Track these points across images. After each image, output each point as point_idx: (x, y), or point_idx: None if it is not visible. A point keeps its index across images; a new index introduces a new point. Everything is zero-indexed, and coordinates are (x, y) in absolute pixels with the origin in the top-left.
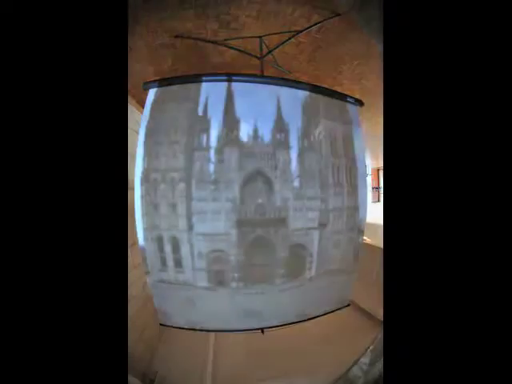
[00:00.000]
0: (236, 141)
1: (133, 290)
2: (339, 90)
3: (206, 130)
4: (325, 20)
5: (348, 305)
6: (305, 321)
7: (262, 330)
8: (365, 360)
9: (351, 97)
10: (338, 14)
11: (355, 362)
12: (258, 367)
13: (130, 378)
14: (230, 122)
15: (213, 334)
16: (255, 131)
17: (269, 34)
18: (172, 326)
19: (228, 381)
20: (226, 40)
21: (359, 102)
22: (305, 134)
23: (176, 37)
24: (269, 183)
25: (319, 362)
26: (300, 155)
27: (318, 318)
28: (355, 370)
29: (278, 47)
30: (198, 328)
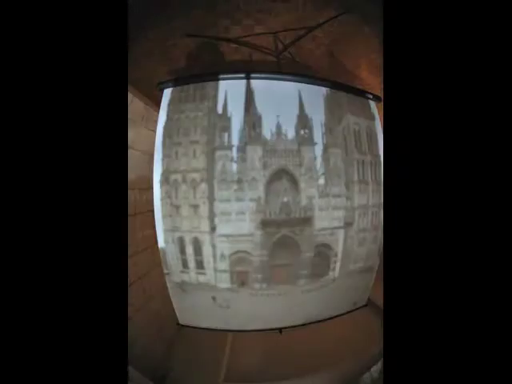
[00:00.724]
0: (259, 138)
1: (152, 289)
2: (359, 84)
3: (227, 129)
4: (339, 15)
5: (366, 305)
6: (324, 320)
7: (280, 329)
8: (376, 368)
9: (370, 92)
10: (348, 12)
11: (367, 369)
12: (273, 367)
13: (131, 371)
14: (252, 119)
15: (230, 333)
16: (278, 128)
17: (283, 31)
18: (190, 326)
19: (242, 379)
20: (239, 37)
21: (377, 98)
22: (329, 129)
23: (188, 36)
24: (294, 181)
25: (335, 362)
26: (325, 152)
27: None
28: (365, 378)
29: (293, 43)
30: (217, 328)
